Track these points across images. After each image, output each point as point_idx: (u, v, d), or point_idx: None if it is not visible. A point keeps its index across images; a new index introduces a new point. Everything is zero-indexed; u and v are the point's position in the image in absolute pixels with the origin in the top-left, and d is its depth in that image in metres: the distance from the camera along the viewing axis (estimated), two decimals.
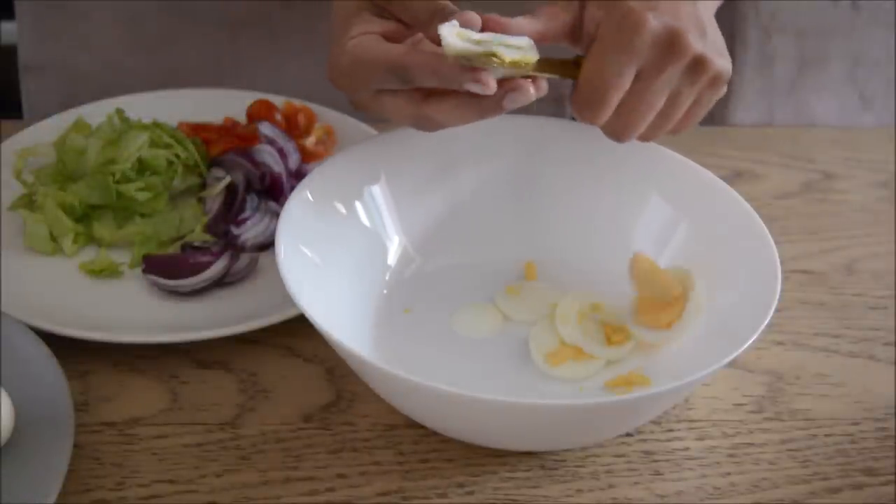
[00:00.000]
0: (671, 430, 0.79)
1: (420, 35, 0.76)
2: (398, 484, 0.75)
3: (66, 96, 1.05)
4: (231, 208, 0.91)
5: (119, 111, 0.96)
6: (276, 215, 0.84)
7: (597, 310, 0.83)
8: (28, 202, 0.92)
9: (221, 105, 1.00)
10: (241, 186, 0.92)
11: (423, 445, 0.77)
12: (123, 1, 1.06)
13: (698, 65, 0.73)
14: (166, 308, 0.85)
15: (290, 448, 0.77)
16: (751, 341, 0.72)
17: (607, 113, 0.73)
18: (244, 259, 0.87)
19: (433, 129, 0.76)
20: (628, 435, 0.78)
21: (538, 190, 0.87)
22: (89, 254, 0.89)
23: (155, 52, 1.08)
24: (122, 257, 0.88)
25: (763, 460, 0.78)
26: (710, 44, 0.74)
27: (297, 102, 1.00)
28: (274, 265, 0.76)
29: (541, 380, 0.80)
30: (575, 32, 0.76)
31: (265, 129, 0.95)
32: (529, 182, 0.87)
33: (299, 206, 0.80)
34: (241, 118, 0.99)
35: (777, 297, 0.75)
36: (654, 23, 0.71)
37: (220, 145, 0.96)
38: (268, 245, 0.88)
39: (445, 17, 0.72)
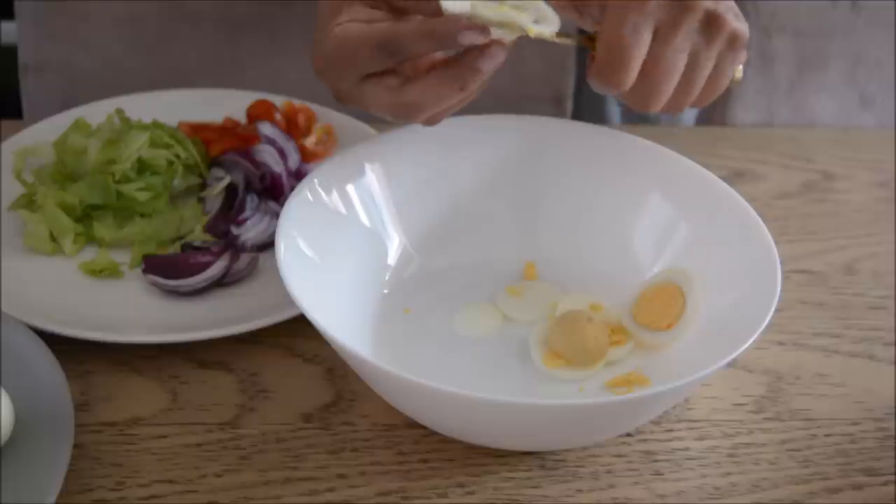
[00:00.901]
0: (671, 430, 0.79)
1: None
2: (398, 484, 0.75)
3: (66, 96, 1.05)
4: (231, 208, 0.91)
5: (119, 111, 0.96)
6: (276, 215, 0.84)
7: (597, 310, 0.83)
8: (28, 202, 0.91)
9: (221, 105, 1.00)
10: (241, 186, 0.92)
11: (423, 445, 0.77)
12: (123, 1, 1.06)
13: (713, 21, 0.73)
14: (166, 308, 0.85)
15: (290, 448, 0.77)
16: (751, 341, 0.72)
17: (630, 76, 0.73)
18: (244, 259, 0.87)
19: (414, 116, 0.75)
20: (628, 435, 0.78)
21: (538, 190, 0.87)
22: (89, 254, 0.89)
23: (155, 52, 1.08)
24: (122, 257, 0.88)
25: (763, 460, 0.78)
26: (725, 5, 0.74)
27: (297, 102, 1.00)
28: (274, 265, 0.76)
29: (541, 380, 0.80)
30: (580, 8, 0.77)
31: (265, 129, 0.95)
32: (529, 182, 0.87)
33: (299, 206, 0.80)
34: (241, 118, 0.99)
35: (777, 297, 0.75)
36: None
37: (220, 145, 0.96)
38: (268, 245, 0.88)
39: None
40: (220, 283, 0.86)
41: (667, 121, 1.15)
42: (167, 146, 0.92)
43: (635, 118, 1.15)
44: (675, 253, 0.84)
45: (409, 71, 0.75)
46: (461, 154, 0.87)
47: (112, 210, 0.91)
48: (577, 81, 1.12)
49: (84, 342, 0.81)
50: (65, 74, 1.08)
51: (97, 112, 0.98)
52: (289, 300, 0.74)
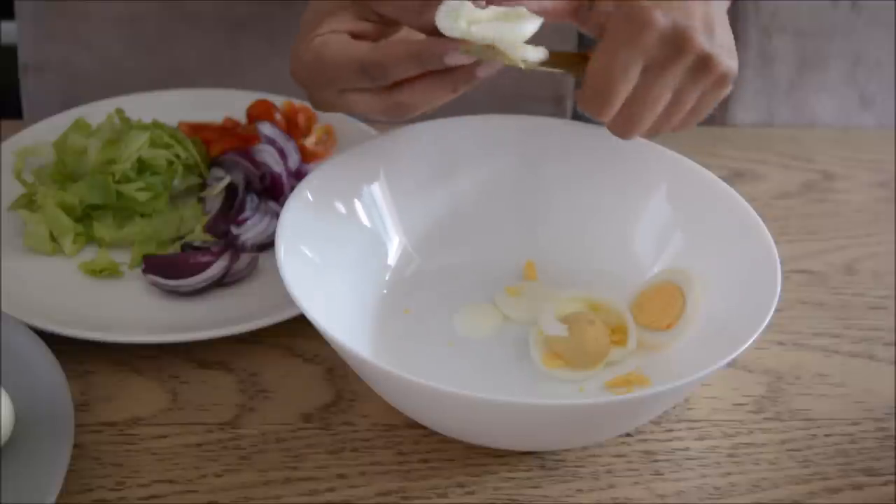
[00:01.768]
0: (671, 430, 0.79)
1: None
2: (398, 484, 0.75)
3: (66, 96, 1.05)
4: (231, 208, 0.91)
5: (119, 111, 0.96)
6: (276, 215, 0.84)
7: (597, 310, 0.83)
8: (28, 202, 0.92)
9: (221, 105, 1.00)
10: (241, 186, 0.92)
11: (423, 445, 0.77)
12: (123, 1, 1.06)
13: (704, 64, 0.73)
14: (166, 308, 0.85)
15: (290, 448, 0.77)
16: (751, 341, 0.72)
17: (614, 108, 0.74)
18: (244, 259, 0.87)
19: (406, 114, 0.75)
20: (628, 435, 0.78)
21: (538, 190, 0.87)
22: (89, 254, 0.89)
23: (155, 52, 1.08)
24: (122, 257, 0.88)
25: (763, 460, 0.78)
26: (718, 44, 0.74)
27: (297, 102, 1.00)
28: (274, 265, 0.76)
29: (541, 380, 0.80)
30: (581, 12, 0.77)
31: (265, 129, 0.95)
32: (529, 182, 0.87)
33: (299, 206, 0.80)
34: (241, 118, 0.99)
35: (777, 297, 0.75)
36: (662, 20, 0.72)
37: (220, 145, 0.96)
38: (268, 245, 0.88)
39: None
40: (220, 283, 0.86)
41: None
42: (167, 146, 0.92)
43: None
44: (675, 253, 0.84)
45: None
46: (461, 154, 0.87)
47: (112, 210, 0.91)
48: (577, 81, 1.12)
49: (84, 342, 0.81)
50: (65, 74, 1.09)
51: (97, 112, 0.98)
52: (289, 300, 0.74)
